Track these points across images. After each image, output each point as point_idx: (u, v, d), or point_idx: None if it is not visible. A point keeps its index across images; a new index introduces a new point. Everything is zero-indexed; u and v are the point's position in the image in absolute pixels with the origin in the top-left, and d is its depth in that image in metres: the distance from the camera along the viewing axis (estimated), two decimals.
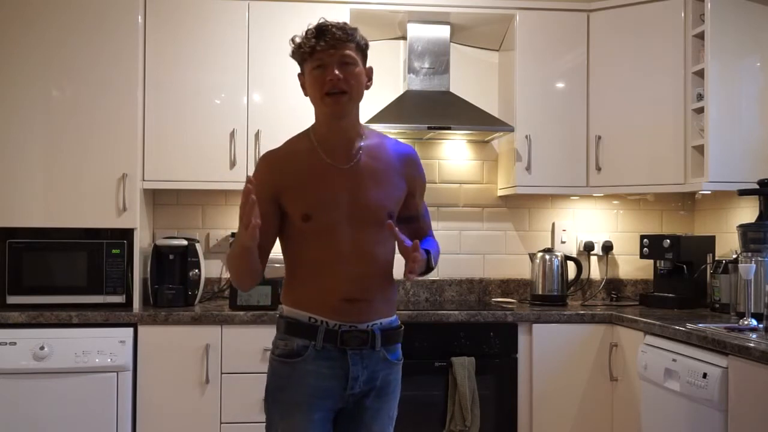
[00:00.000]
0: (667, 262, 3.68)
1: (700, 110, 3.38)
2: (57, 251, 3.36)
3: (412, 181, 2.15)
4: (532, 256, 3.78)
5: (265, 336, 3.09)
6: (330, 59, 1.96)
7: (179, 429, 3.17)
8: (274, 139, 2.93)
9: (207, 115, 3.45)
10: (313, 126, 2.10)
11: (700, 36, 3.39)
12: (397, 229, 1.94)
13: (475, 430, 3.22)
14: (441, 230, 3.96)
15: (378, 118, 3.53)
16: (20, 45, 3.32)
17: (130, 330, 3.17)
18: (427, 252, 2.03)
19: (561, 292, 3.71)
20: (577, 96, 3.69)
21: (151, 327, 3.19)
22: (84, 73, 3.35)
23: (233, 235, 2.24)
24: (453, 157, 3.99)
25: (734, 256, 3.31)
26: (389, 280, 2.10)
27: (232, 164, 3.45)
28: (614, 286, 4.00)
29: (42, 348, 3.07)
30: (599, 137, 3.65)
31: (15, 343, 3.07)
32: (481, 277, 3.97)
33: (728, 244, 3.62)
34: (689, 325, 2.85)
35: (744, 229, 3.21)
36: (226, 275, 3.80)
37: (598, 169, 3.66)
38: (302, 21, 3.26)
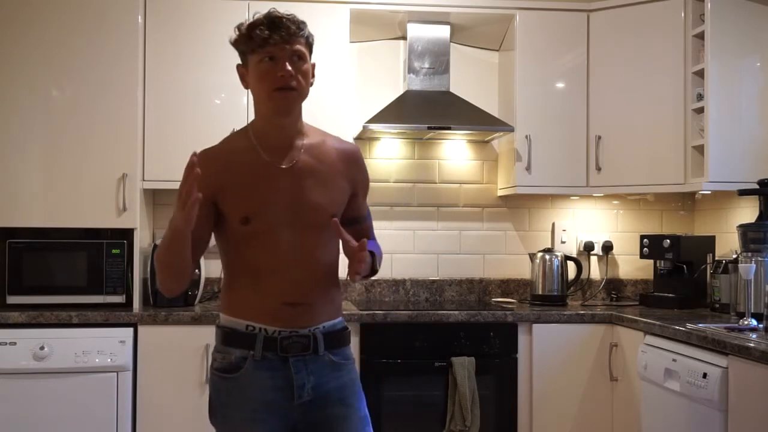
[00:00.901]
0: (667, 262, 3.68)
1: (700, 110, 3.38)
2: (57, 251, 3.36)
3: (355, 181, 2.03)
4: (532, 256, 3.78)
5: None
6: (281, 53, 1.84)
7: (179, 429, 3.17)
8: None
9: (207, 115, 3.45)
10: (252, 123, 1.98)
11: (700, 36, 3.39)
12: (341, 228, 1.85)
13: (475, 430, 3.22)
14: (441, 230, 3.97)
15: (378, 118, 3.53)
16: (20, 45, 3.32)
17: (130, 330, 3.17)
18: (372, 254, 1.93)
19: (561, 292, 3.71)
20: (577, 96, 3.69)
21: (151, 327, 3.19)
22: (84, 73, 3.35)
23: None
24: (453, 157, 3.99)
25: (734, 256, 3.31)
26: (333, 283, 1.99)
27: None
28: (614, 286, 4.00)
29: (42, 348, 3.07)
30: (599, 137, 3.65)
31: (15, 343, 3.07)
32: (481, 277, 3.97)
33: (728, 244, 3.62)
34: (689, 325, 2.85)
35: (744, 229, 3.21)
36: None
37: (598, 169, 3.66)
38: None
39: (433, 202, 3.98)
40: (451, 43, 3.79)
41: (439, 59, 3.73)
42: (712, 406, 2.55)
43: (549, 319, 3.36)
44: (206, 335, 3.17)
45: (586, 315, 3.40)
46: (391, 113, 3.57)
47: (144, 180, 3.43)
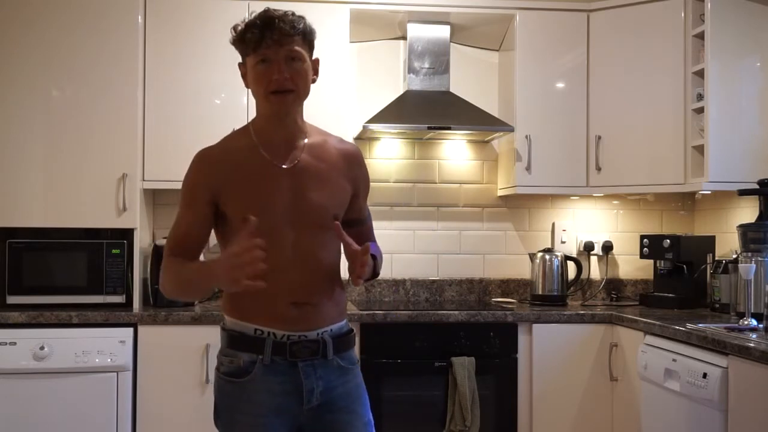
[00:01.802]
0: (667, 262, 3.68)
1: (700, 110, 3.38)
2: (57, 251, 3.36)
3: (357, 181, 2.01)
4: (532, 256, 3.78)
5: None
6: (275, 56, 1.82)
7: (179, 429, 3.17)
8: None
9: (207, 115, 3.45)
10: (253, 121, 1.97)
11: (700, 36, 3.39)
12: (343, 231, 1.83)
13: (475, 430, 3.22)
14: (441, 230, 3.97)
15: (378, 118, 3.53)
16: (20, 45, 3.32)
17: (130, 330, 3.17)
18: (373, 257, 1.92)
19: (561, 292, 3.70)
20: (577, 96, 3.69)
21: (151, 327, 3.19)
22: (84, 73, 3.35)
23: None
24: (453, 157, 3.99)
25: (734, 256, 3.31)
26: (336, 283, 1.97)
27: None
28: (614, 286, 4.00)
29: (42, 348, 3.07)
30: (599, 137, 3.65)
31: (15, 343, 3.07)
32: (481, 277, 3.97)
33: (728, 244, 3.62)
34: (689, 325, 2.85)
35: (744, 229, 3.21)
36: None
37: (598, 169, 3.66)
38: None
39: (433, 202, 3.98)
40: (451, 43, 3.79)
41: (439, 59, 3.73)
42: (712, 406, 2.55)
43: (549, 319, 3.36)
44: (206, 335, 3.18)
45: (586, 315, 3.40)
46: (391, 113, 3.57)
47: (144, 180, 3.43)
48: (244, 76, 1.93)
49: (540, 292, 3.71)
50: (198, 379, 3.18)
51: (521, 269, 3.97)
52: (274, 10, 1.86)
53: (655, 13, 3.53)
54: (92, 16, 3.36)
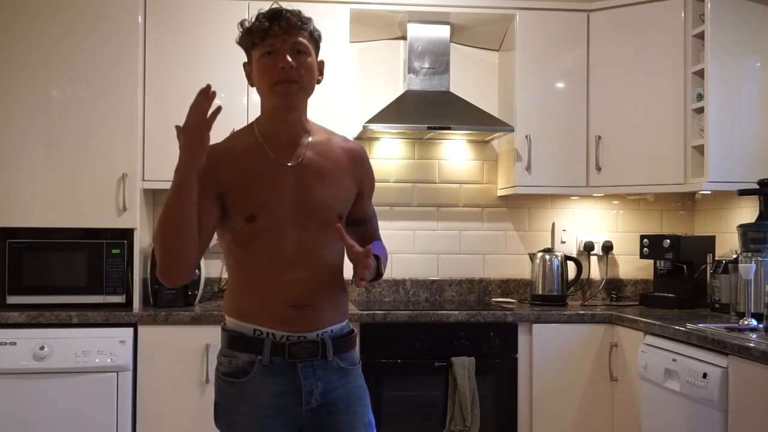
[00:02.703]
0: (667, 262, 3.68)
1: (700, 110, 3.38)
2: (57, 251, 3.36)
3: (361, 180, 2.01)
4: (532, 256, 3.78)
5: None
6: (282, 45, 1.83)
7: (179, 429, 3.17)
8: None
9: None
10: (257, 119, 1.96)
11: (700, 36, 3.39)
12: (345, 233, 1.81)
13: (475, 430, 3.22)
14: (441, 230, 3.97)
15: (378, 118, 3.53)
16: (20, 45, 3.32)
17: (130, 330, 3.17)
18: (377, 258, 1.90)
19: (561, 292, 3.71)
20: (577, 96, 3.69)
21: (151, 327, 3.19)
22: (84, 73, 3.35)
23: None
24: (453, 157, 3.99)
25: (734, 256, 3.31)
26: (339, 284, 1.96)
27: None
28: (614, 286, 4.00)
29: (42, 348, 3.07)
30: (599, 137, 3.65)
31: (15, 343, 3.07)
32: (481, 277, 3.97)
33: (728, 244, 3.62)
34: (689, 325, 2.85)
35: (744, 229, 3.21)
36: (226, 275, 3.79)
37: (598, 169, 3.66)
38: None
39: (433, 202, 3.98)
40: (451, 43, 3.79)
41: (439, 59, 3.73)
42: (712, 406, 2.55)
43: (549, 319, 3.36)
44: (206, 335, 3.18)
45: (586, 315, 3.40)
46: (391, 113, 3.57)
47: (144, 180, 3.43)
48: (248, 75, 1.93)
49: (540, 292, 3.71)
50: (198, 379, 3.18)
51: (521, 269, 3.97)
52: (283, 6, 1.89)
53: (655, 13, 3.53)
54: (92, 16, 3.36)
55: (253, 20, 1.88)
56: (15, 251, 3.33)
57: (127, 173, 3.37)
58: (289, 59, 1.82)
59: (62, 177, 3.33)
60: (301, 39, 1.85)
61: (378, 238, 2.12)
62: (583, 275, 3.92)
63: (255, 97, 3.46)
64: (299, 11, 1.88)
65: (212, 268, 3.80)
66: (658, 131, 3.52)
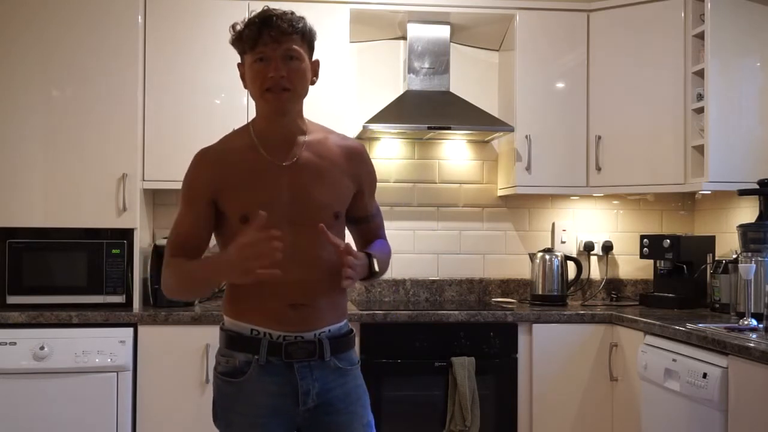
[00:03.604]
0: (667, 262, 3.68)
1: (700, 110, 3.38)
2: (57, 251, 3.36)
3: (360, 178, 1.99)
4: (532, 256, 3.78)
5: None
6: (272, 53, 1.82)
7: (179, 429, 3.17)
8: None
9: (207, 115, 3.45)
10: (253, 120, 1.96)
11: (700, 36, 3.39)
12: (329, 233, 1.80)
13: (475, 430, 3.22)
14: (441, 230, 3.97)
15: (378, 118, 3.53)
16: (20, 45, 3.32)
17: (130, 330, 3.17)
18: (369, 255, 1.90)
19: (561, 292, 3.70)
20: (577, 96, 3.69)
21: (151, 327, 3.19)
22: (84, 73, 3.35)
23: None
24: (453, 157, 3.99)
25: (734, 256, 3.31)
26: (336, 284, 1.88)
27: None
28: (614, 286, 4.00)
29: (42, 348, 3.07)
30: (599, 137, 3.65)
31: (15, 343, 3.07)
32: (481, 277, 3.97)
33: (728, 244, 3.62)
34: (689, 325, 2.85)
35: (744, 229, 3.21)
36: None
37: (598, 169, 3.66)
38: None
39: (433, 202, 3.98)
40: (451, 43, 3.78)
41: (439, 59, 3.73)
42: (712, 406, 2.55)
43: (549, 319, 3.36)
44: (206, 335, 3.18)
45: (586, 315, 3.40)
46: (391, 113, 3.57)
47: (144, 180, 3.43)
48: (242, 76, 1.93)
49: (540, 292, 3.71)
50: (198, 379, 3.18)
51: (521, 269, 3.97)
52: (274, 9, 1.86)
53: (655, 13, 3.53)
54: (92, 16, 3.36)
55: (243, 24, 1.87)
56: (15, 251, 3.33)
57: (127, 173, 3.37)
58: (280, 69, 1.82)
59: (62, 177, 3.33)
60: (292, 45, 1.84)
61: (382, 236, 2.11)
62: (583, 275, 3.92)
63: None
64: (291, 13, 1.86)
65: None
66: (658, 131, 3.52)
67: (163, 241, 3.43)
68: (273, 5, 1.97)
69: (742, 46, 3.35)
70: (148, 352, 3.18)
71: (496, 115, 3.80)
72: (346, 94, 3.55)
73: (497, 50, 3.99)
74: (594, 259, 4.03)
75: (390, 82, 3.89)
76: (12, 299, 3.30)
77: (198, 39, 3.45)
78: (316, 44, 1.95)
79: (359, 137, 3.75)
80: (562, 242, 3.99)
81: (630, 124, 3.59)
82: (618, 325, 3.33)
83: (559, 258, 3.72)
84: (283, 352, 1.86)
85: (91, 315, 3.15)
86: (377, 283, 3.86)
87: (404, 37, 3.80)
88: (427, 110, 3.61)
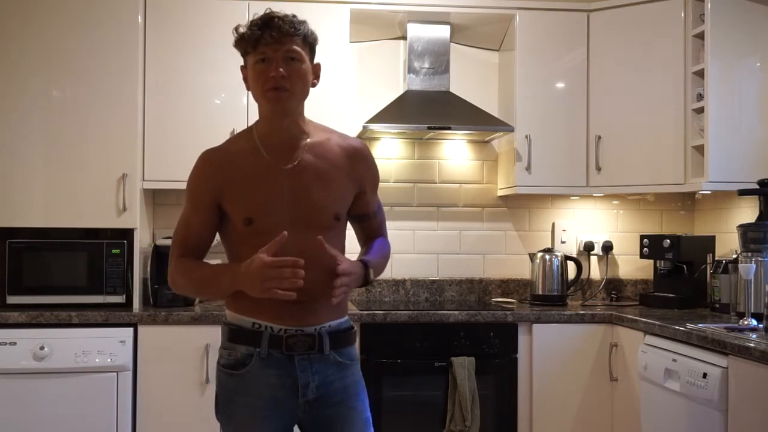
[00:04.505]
0: (667, 262, 3.68)
1: (700, 110, 3.38)
2: (57, 251, 3.36)
3: (362, 178, 2.03)
4: (532, 256, 3.78)
5: None
6: (274, 54, 1.86)
7: (179, 429, 3.17)
8: None
9: (207, 115, 3.45)
10: (255, 123, 2.00)
11: (700, 36, 3.39)
12: (327, 246, 1.86)
13: (475, 430, 3.22)
14: (441, 230, 3.97)
15: (378, 118, 3.53)
16: (20, 45, 3.32)
17: (130, 330, 3.17)
18: (366, 265, 1.96)
19: (561, 292, 3.70)
20: (577, 96, 3.69)
21: (151, 327, 3.19)
22: (84, 73, 3.35)
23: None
24: (453, 157, 3.99)
25: (734, 256, 3.31)
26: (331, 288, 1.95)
27: None
28: (614, 286, 4.00)
29: (42, 348, 3.07)
30: (599, 137, 3.65)
31: (15, 343, 3.07)
32: (481, 277, 3.97)
33: (728, 244, 3.62)
34: (689, 325, 2.85)
35: (744, 229, 3.21)
36: None
37: (598, 169, 3.66)
38: None
39: (433, 202, 3.98)
40: (451, 43, 3.78)
41: (439, 59, 3.73)
42: (712, 406, 2.55)
43: (549, 319, 3.36)
44: (206, 335, 3.18)
45: (586, 315, 3.40)
46: (391, 113, 3.57)
47: (144, 180, 3.43)
48: (245, 79, 1.97)
49: (540, 292, 3.71)
50: (198, 379, 3.18)
51: (521, 269, 3.97)
52: (276, 11, 1.90)
53: (655, 13, 3.53)
54: (92, 16, 3.36)
55: (247, 27, 1.90)
56: (15, 251, 3.33)
57: (127, 173, 3.37)
58: (281, 69, 1.86)
59: (62, 177, 3.33)
60: (293, 46, 1.87)
61: (383, 233, 2.17)
62: (583, 275, 3.92)
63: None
64: (293, 16, 1.90)
65: None
66: (658, 131, 3.52)
67: (164, 241, 3.48)
68: (274, 6, 1.97)
69: (742, 46, 3.36)
70: (148, 352, 3.18)
71: (496, 115, 3.80)
72: (346, 94, 3.55)
73: (497, 50, 3.99)
74: (594, 259, 4.03)
75: (390, 82, 3.89)
76: (12, 299, 3.30)
77: (198, 39, 3.45)
78: (317, 44, 1.97)
79: (359, 137, 3.74)
80: (562, 242, 3.99)
81: (630, 124, 3.59)
82: (618, 325, 3.33)
83: (559, 258, 3.72)
84: (284, 344, 1.90)
85: (91, 315, 3.15)
86: (377, 283, 3.85)
87: (404, 37, 3.80)
88: (427, 110, 3.61)
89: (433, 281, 3.94)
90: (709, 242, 3.65)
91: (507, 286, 3.97)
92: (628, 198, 4.04)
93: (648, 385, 2.99)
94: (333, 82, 3.45)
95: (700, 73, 3.38)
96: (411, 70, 3.72)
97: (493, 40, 3.92)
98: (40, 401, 3.08)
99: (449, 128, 3.54)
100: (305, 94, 1.94)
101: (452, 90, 3.73)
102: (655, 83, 3.53)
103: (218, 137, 3.56)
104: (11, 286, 3.31)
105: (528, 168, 3.63)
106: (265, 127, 1.96)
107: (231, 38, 1.89)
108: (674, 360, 2.80)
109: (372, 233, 2.13)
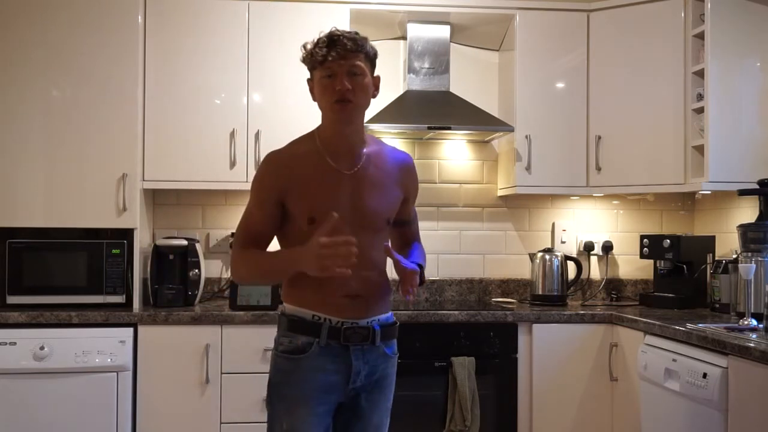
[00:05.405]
0: (667, 262, 3.68)
1: (700, 110, 3.38)
2: (57, 251, 3.36)
3: (408, 188, 2.25)
4: (532, 256, 3.78)
5: (265, 336, 3.10)
6: (339, 69, 2.02)
7: (179, 429, 3.17)
8: (274, 139, 2.94)
9: (207, 115, 3.45)
10: (318, 128, 2.15)
11: (700, 36, 3.39)
12: (394, 251, 2.06)
13: (475, 430, 3.22)
14: (441, 230, 3.97)
15: (378, 118, 3.53)
16: (20, 45, 3.32)
17: (130, 330, 3.17)
18: (421, 267, 2.14)
19: (561, 292, 3.71)
20: (577, 96, 3.69)
21: (151, 327, 3.19)
22: (84, 73, 3.35)
23: (233, 235, 2.22)
24: (453, 157, 3.99)
25: (734, 256, 3.31)
26: (385, 280, 2.18)
27: (232, 164, 3.45)
28: (614, 286, 4.00)
29: (42, 348, 3.07)
30: (599, 137, 3.65)
31: (15, 343, 3.07)
32: (481, 277, 3.97)
33: (728, 244, 3.62)
34: (689, 325, 2.85)
35: (744, 229, 3.21)
36: (227, 275, 3.80)
37: (598, 169, 3.66)
38: (302, 21, 3.25)
39: (433, 202, 3.98)
40: (451, 43, 3.79)
41: (439, 59, 3.73)
42: (712, 406, 2.55)
43: (549, 319, 3.36)
44: (206, 335, 3.18)
45: (586, 315, 3.40)
46: (391, 113, 3.57)
47: (144, 180, 3.43)
48: (311, 90, 2.13)
49: (540, 292, 3.71)
50: (198, 379, 3.18)
51: (521, 269, 3.97)
52: (342, 30, 2.06)
53: (655, 13, 3.53)
54: (93, 16, 3.36)
55: (313, 44, 2.06)
56: (15, 251, 3.33)
57: (127, 173, 3.37)
58: (346, 83, 2.02)
59: (62, 177, 3.33)
60: (357, 62, 2.04)
61: (417, 238, 2.40)
62: (583, 275, 3.92)
63: (254, 98, 3.48)
64: (355, 34, 2.07)
65: (212, 268, 3.80)
66: (658, 131, 3.52)
67: (163, 241, 3.49)
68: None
69: (742, 46, 3.36)
70: (148, 352, 3.18)
71: (496, 115, 3.80)
72: None
73: (497, 50, 3.99)
74: (594, 259, 4.03)
75: (390, 82, 3.89)
76: (12, 299, 3.30)
77: (198, 39, 3.45)
78: None
79: None
80: (562, 242, 3.99)
81: (630, 124, 3.59)
82: (618, 325, 3.33)
83: (559, 258, 3.72)
84: (341, 335, 2.06)
85: (91, 315, 3.16)
86: None
87: (404, 37, 3.80)
88: (427, 110, 3.61)
89: (433, 281, 3.94)
90: (709, 242, 3.65)
91: (507, 286, 3.97)
92: (628, 198, 4.04)
93: (648, 385, 2.99)
94: None
95: (700, 73, 3.38)
96: (411, 70, 3.72)
97: (493, 40, 3.92)
98: (40, 401, 3.08)
99: (449, 128, 3.54)
100: (367, 105, 2.13)
101: (452, 90, 3.73)
102: (655, 83, 3.53)
103: (218, 137, 3.58)
104: (11, 286, 3.31)
105: (528, 168, 3.63)
106: (329, 134, 2.11)
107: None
108: (674, 360, 2.80)
109: (410, 238, 2.35)
